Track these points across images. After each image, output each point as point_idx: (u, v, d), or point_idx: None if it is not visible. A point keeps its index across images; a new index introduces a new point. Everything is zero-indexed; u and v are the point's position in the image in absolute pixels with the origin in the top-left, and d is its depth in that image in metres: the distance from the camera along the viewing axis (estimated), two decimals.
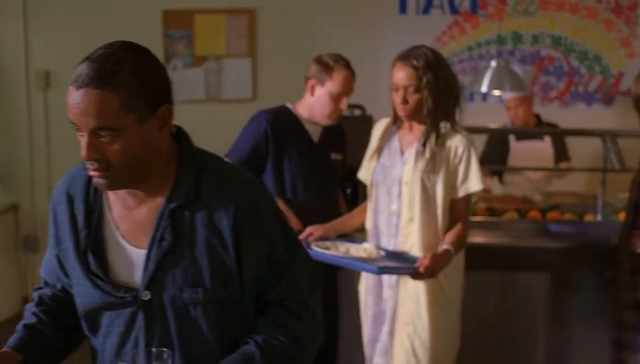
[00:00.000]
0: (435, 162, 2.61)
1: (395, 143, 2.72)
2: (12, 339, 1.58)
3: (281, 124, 2.97)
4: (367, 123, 3.71)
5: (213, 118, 5.10)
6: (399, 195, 2.66)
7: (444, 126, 2.63)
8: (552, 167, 4.51)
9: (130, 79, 1.39)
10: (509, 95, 4.44)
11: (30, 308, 1.65)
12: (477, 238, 3.36)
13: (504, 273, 3.40)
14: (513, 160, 4.52)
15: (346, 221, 2.90)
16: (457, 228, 2.64)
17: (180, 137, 1.56)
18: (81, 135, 1.41)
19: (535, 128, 4.54)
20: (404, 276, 2.60)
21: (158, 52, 5.13)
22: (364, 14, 5.24)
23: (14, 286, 5.09)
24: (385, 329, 2.70)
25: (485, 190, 3.78)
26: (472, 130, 4.07)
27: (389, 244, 2.69)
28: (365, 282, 2.78)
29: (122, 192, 1.52)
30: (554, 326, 3.43)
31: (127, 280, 1.52)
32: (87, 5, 5.18)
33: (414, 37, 4.72)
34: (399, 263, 2.58)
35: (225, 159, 2.98)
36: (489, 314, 3.44)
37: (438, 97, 2.58)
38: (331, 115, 2.96)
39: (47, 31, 5.13)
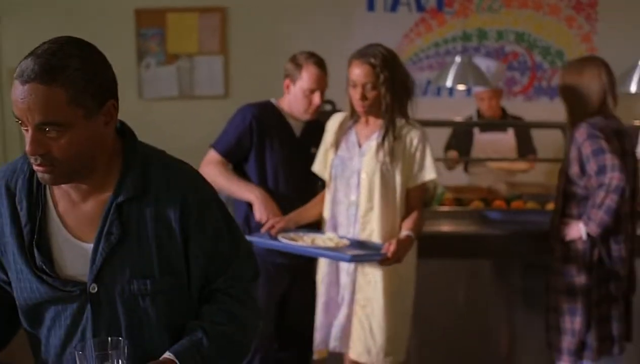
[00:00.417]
0: (394, 153, 2.72)
1: (352, 136, 2.83)
2: None
3: (265, 118, 3.06)
4: None
5: (186, 115, 5.13)
6: (358, 186, 2.76)
7: (399, 120, 2.75)
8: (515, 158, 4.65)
9: (77, 75, 1.38)
10: (480, 88, 4.55)
11: None
12: (445, 227, 3.49)
13: (471, 260, 3.53)
14: (476, 150, 4.65)
15: (303, 212, 2.95)
16: (414, 215, 2.75)
17: (124, 132, 1.56)
18: (25, 130, 1.40)
19: (500, 121, 4.68)
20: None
21: (131, 50, 5.34)
22: (333, 12, 5.34)
23: None
24: (343, 313, 2.79)
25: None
26: (438, 123, 4.22)
27: (347, 233, 2.79)
28: (322, 270, 2.86)
29: (66, 187, 1.51)
30: (519, 309, 3.56)
31: (74, 273, 1.51)
32: (60, 4, 5.20)
33: (381, 33, 4.86)
34: (364, 251, 2.67)
35: (210, 149, 3.07)
36: (459, 301, 3.56)
37: (395, 93, 2.70)
38: (307, 111, 3.05)
39: (19, 30, 5.12)
